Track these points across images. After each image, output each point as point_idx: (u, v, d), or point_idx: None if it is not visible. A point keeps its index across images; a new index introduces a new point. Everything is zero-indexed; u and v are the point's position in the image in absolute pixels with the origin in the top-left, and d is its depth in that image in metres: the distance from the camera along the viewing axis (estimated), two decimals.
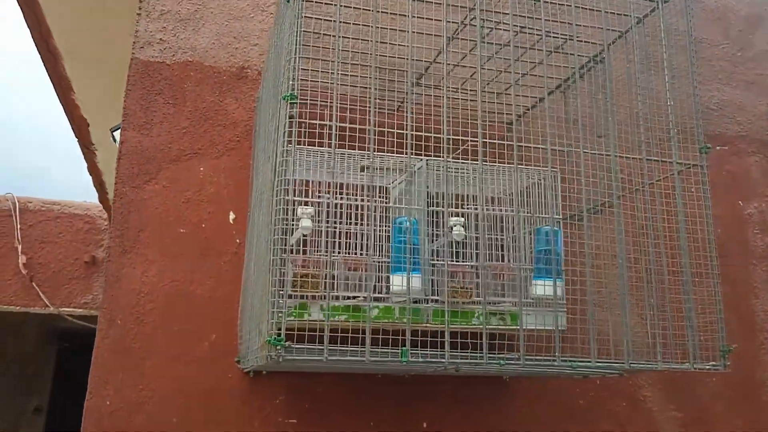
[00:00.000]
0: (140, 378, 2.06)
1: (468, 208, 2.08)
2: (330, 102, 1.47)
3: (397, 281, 1.84)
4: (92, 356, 2.05)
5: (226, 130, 2.37)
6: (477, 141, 1.70)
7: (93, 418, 2.00)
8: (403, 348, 1.34)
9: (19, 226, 4.69)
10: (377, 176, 2.18)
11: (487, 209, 2.14)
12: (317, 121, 1.41)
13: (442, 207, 2.05)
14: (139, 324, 2.11)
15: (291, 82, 1.35)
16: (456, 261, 2.01)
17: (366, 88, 2.16)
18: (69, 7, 3.19)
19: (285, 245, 1.35)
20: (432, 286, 1.94)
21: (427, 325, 1.88)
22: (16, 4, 2.88)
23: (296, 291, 1.76)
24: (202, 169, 2.32)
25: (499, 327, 1.95)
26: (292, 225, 1.82)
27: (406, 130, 1.52)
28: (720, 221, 2.87)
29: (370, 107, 1.53)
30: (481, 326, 1.89)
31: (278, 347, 1.23)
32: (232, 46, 2.47)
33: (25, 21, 3.02)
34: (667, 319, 1.67)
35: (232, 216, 2.28)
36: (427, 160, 1.99)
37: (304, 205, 1.86)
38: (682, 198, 1.64)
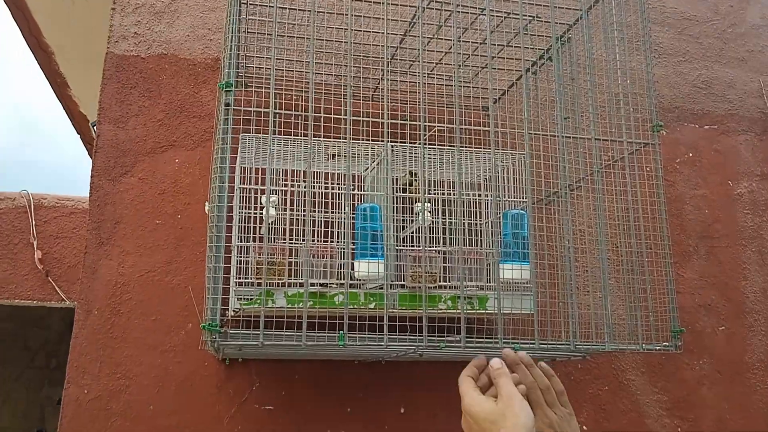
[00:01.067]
0: (117, 367, 2.11)
1: (436, 194, 2.08)
2: (302, 89, 1.48)
3: (361, 267, 1.84)
4: (70, 346, 2.09)
5: (201, 122, 2.39)
6: (450, 126, 1.70)
7: (71, 405, 2.05)
8: (340, 332, 1.35)
9: (34, 222, 4.78)
10: (349, 164, 2.18)
11: (459, 194, 2.13)
12: (260, 109, 1.42)
13: (409, 193, 2.06)
14: (115, 314, 2.14)
15: (227, 70, 1.36)
16: (423, 246, 2.01)
17: (339, 76, 2.17)
18: (55, 3, 3.24)
19: (221, 233, 1.37)
20: (398, 272, 1.94)
21: (394, 310, 1.88)
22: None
23: (259, 278, 1.78)
24: (177, 160, 2.34)
25: (467, 311, 1.94)
26: (253, 213, 1.84)
27: (382, 117, 1.52)
28: (709, 202, 2.83)
29: (346, 95, 1.54)
30: (448, 311, 1.90)
31: (213, 333, 1.24)
32: (206, 38, 2.49)
33: (14, 19, 3.07)
34: (626, 301, 1.66)
35: (207, 207, 2.30)
36: (392, 145, 1.99)
37: (267, 193, 1.87)
38: (637, 178, 1.61)
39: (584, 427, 2.43)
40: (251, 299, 1.76)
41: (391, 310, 1.85)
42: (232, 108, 1.35)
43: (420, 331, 1.66)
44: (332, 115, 1.48)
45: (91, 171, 2.27)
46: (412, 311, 1.73)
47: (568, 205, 1.55)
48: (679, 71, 2.95)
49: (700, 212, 2.80)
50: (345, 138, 1.63)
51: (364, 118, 1.53)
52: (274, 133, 1.50)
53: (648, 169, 1.66)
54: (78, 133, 4.79)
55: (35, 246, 4.64)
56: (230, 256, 1.77)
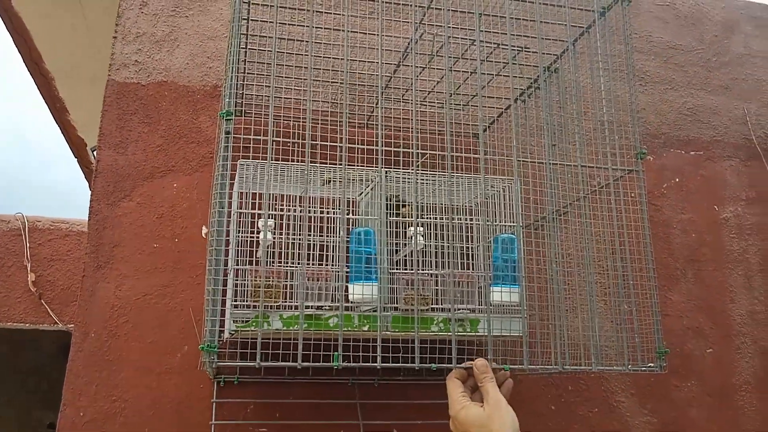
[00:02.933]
0: (114, 389, 2.13)
1: (429, 218, 2.13)
2: (299, 117, 1.53)
3: (356, 290, 1.89)
4: (66, 369, 2.12)
5: (199, 147, 2.45)
6: (442, 153, 1.77)
7: (67, 428, 2.07)
8: (335, 353, 1.39)
9: (28, 245, 4.81)
10: (343, 189, 2.24)
11: (450, 219, 2.18)
12: (259, 136, 1.47)
13: (403, 217, 2.11)
14: (112, 337, 2.17)
15: (227, 99, 1.42)
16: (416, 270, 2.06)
17: (335, 103, 2.23)
18: (55, 28, 3.31)
19: (219, 256, 1.41)
20: (391, 295, 1.99)
21: (388, 333, 1.92)
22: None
23: (255, 301, 1.81)
24: (175, 185, 2.39)
25: (459, 333, 1.98)
26: (249, 237, 1.89)
27: (377, 143, 1.58)
28: (695, 226, 2.89)
29: (341, 120, 1.59)
30: (441, 333, 1.94)
31: (211, 353, 1.28)
32: (205, 66, 2.55)
33: (15, 46, 3.13)
34: (614, 323, 1.71)
35: (204, 230, 2.35)
36: (386, 171, 2.05)
37: (263, 218, 1.92)
38: (623, 203, 1.67)
39: None
40: (247, 321, 1.79)
41: (383, 333, 1.90)
42: (232, 135, 1.40)
43: (413, 352, 1.70)
44: (328, 143, 1.53)
45: (91, 195, 2.32)
46: (404, 333, 1.76)
47: (555, 230, 1.61)
48: (665, 99, 3.04)
49: (687, 236, 2.86)
50: (340, 164, 1.69)
51: (359, 145, 1.59)
52: (273, 159, 1.56)
53: (633, 195, 1.72)
54: (76, 157, 4.84)
55: (29, 269, 4.66)
56: (227, 279, 1.81)
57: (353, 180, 2.19)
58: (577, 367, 1.60)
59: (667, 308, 2.76)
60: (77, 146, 4.66)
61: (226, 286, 1.83)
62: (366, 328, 1.93)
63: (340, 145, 1.47)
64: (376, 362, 1.45)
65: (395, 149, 1.57)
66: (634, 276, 1.68)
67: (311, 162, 1.48)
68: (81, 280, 2.23)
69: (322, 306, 1.92)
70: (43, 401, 6.48)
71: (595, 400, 2.54)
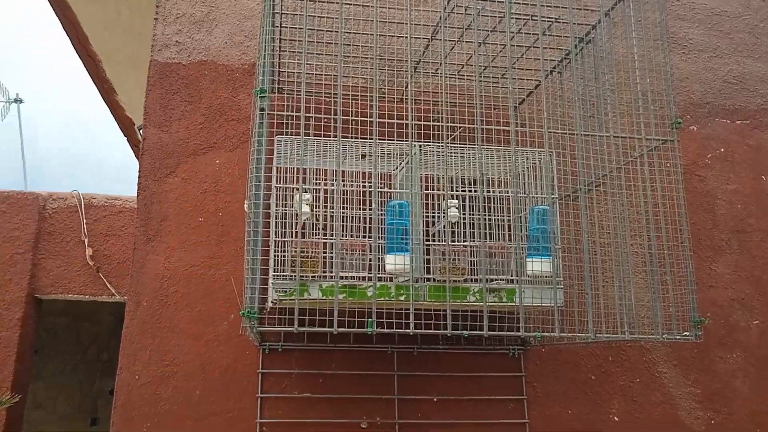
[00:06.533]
0: (165, 355, 2.25)
1: (465, 191, 2.16)
2: (330, 93, 1.57)
3: (391, 261, 1.93)
4: (122, 335, 2.24)
5: (239, 124, 2.52)
6: (472, 126, 1.78)
7: (124, 390, 2.20)
8: (369, 319, 1.44)
9: (85, 221, 5.02)
10: (375, 162, 2.28)
11: (483, 191, 2.20)
12: (293, 113, 1.52)
13: (438, 190, 2.14)
14: (163, 306, 2.29)
15: (261, 77, 1.47)
16: (452, 241, 2.09)
17: (365, 78, 2.26)
18: (100, 11, 3.41)
19: (257, 228, 1.47)
20: (426, 266, 2.03)
21: (425, 302, 1.97)
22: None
23: (295, 272, 1.88)
24: (218, 161, 2.47)
25: (495, 303, 2.01)
26: (288, 210, 1.95)
27: (409, 118, 1.61)
28: (741, 196, 2.83)
29: (371, 96, 1.63)
30: (473, 304, 1.97)
31: (251, 319, 1.35)
32: (243, 45, 2.61)
33: (63, 28, 3.25)
34: (650, 292, 1.71)
35: (246, 204, 2.43)
36: (421, 145, 2.08)
37: (303, 192, 1.98)
38: (657, 175, 1.66)
39: (615, 419, 2.47)
40: (288, 291, 1.87)
41: (418, 303, 1.94)
42: (267, 112, 1.46)
43: (452, 321, 1.75)
44: (359, 117, 1.57)
45: (138, 172, 2.42)
46: (438, 303, 1.80)
47: (588, 202, 1.61)
48: (710, 67, 2.95)
49: (733, 207, 2.80)
50: (372, 138, 1.73)
51: (388, 120, 1.62)
52: (313, 135, 1.60)
53: (669, 165, 1.71)
54: (125, 136, 5.02)
55: (86, 243, 4.88)
56: (268, 251, 1.88)
57: (389, 154, 2.23)
58: (610, 336, 1.61)
59: (711, 279, 2.72)
60: (126, 125, 4.83)
61: (267, 257, 1.91)
62: (402, 298, 1.98)
63: (371, 120, 1.50)
64: (409, 329, 1.49)
65: (425, 123, 1.59)
66: (670, 246, 1.67)
67: (344, 137, 1.52)
68: (132, 252, 2.35)
69: (358, 277, 1.98)
70: (104, 370, 6.81)
71: (637, 370, 2.54)
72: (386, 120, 1.60)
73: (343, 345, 2.29)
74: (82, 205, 5.02)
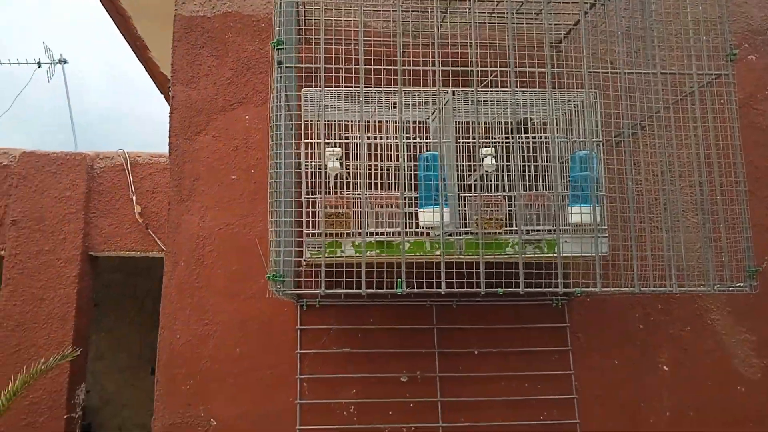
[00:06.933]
0: (204, 313, 2.27)
1: (498, 139, 2.05)
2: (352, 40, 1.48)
3: (424, 216, 1.87)
4: (161, 295, 2.27)
5: (267, 77, 2.44)
6: (504, 70, 1.67)
7: (166, 349, 2.24)
8: (399, 279, 1.39)
9: (132, 179, 5.11)
10: (411, 111, 2.18)
11: (521, 138, 2.09)
12: (309, 65, 1.44)
13: (471, 139, 2.04)
14: (200, 265, 2.29)
15: (278, 28, 1.38)
16: (489, 192, 2.00)
17: (389, 21, 2.14)
18: None
19: (281, 188, 1.42)
20: (463, 219, 1.95)
21: (460, 256, 1.90)
22: None
23: (328, 230, 1.84)
24: (247, 117, 2.42)
25: (533, 256, 1.93)
26: (313, 167, 1.89)
27: (436, 64, 1.51)
28: None
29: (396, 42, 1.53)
30: (509, 256, 1.90)
31: (278, 282, 1.32)
32: None
33: None
34: (701, 241, 1.59)
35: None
36: (453, 91, 1.97)
37: (332, 146, 1.91)
38: (709, 113, 1.51)
39: (665, 368, 2.39)
40: (320, 249, 1.83)
41: (449, 257, 1.88)
42: (285, 65, 1.38)
43: (489, 276, 1.68)
44: (382, 66, 1.48)
45: (169, 131, 2.39)
46: (475, 257, 1.74)
47: (631, 145, 1.49)
48: None
49: None
50: (398, 87, 1.63)
51: (413, 67, 1.52)
52: (328, 86, 1.52)
53: (722, 102, 1.56)
54: (161, 93, 5.01)
55: (134, 201, 4.97)
56: (300, 210, 1.83)
57: (422, 102, 2.13)
58: (655, 289, 1.52)
59: None
60: (161, 82, 4.81)
61: (301, 216, 1.87)
62: (438, 253, 1.92)
63: (395, 67, 1.41)
64: (440, 287, 1.43)
65: (453, 68, 1.48)
66: (723, 190, 1.54)
67: (373, 85, 1.43)
68: (167, 212, 2.35)
69: (391, 232, 1.92)
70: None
71: (687, 319, 2.43)
72: (410, 67, 1.50)
73: (381, 300, 2.26)
74: (129, 164, 5.09)
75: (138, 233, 4.99)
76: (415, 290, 1.44)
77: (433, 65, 1.70)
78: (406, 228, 1.58)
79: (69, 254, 4.05)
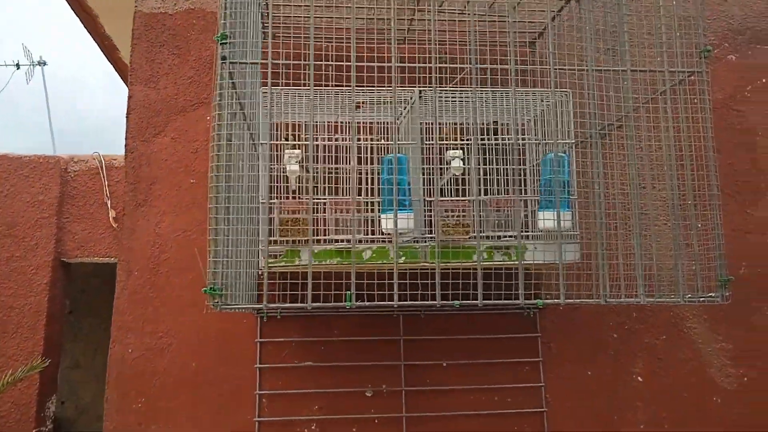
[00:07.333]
0: (159, 325, 2.16)
1: (469, 140, 1.96)
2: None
3: (386, 222, 1.77)
4: (113, 307, 2.15)
5: None
6: (462, 67, 1.58)
7: (117, 364, 2.12)
8: (348, 292, 1.29)
9: (107, 183, 4.97)
10: (380, 112, 2.09)
11: (482, 139, 2.01)
12: (246, 61, 1.34)
13: (435, 141, 1.95)
14: (154, 274, 2.18)
15: (222, 21, 1.29)
16: (456, 197, 1.91)
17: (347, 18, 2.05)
18: None
19: (220, 193, 1.32)
20: (429, 225, 1.86)
21: (425, 263, 1.81)
22: None
23: (283, 236, 1.74)
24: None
25: (503, 263, 1.84)
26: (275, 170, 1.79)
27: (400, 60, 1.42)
28: None
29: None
30: (490, 263, 1.81)
31: (215, 296, 1.22)
32: None
33: None
34: (673, 248, 1.51)
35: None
36: (420, 90, 1.88)
37: (291, 148, 1.82)
38: (683, 111, 1.43)
39: (639, 378, 2.31)
40: (278, 257, 1.73)
41: (415, 266, 1.79)
42: (229, 61, 1.28)
43: (456, 286, 1.60)
44: (333, 63, 1.38)
45: (126, 132, 2.28)
46: (441, 264, 1.64)
47: (599, 147, 1.41)
48: None
49: None
50: (375, 85, 1.55)
51: (367, 63, 1.43)
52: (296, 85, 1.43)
53: (695, 102, 1.48)
54: None
55: (109, 206, 4.84)
56: (253, 217, 1.73)
57: (387, 103, 2.04)
58: (621, 300, 1.43)
59: (749, 225, 2.48)
60: None
61: (255, 223, 1.77)
62: (402, 261, 1.83)
63: (348, 63, 1.31)
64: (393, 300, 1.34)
65: (410, 65, 1.39)
66: (696, 194, 1.46)
67: (336, 85, 1.34)
68: (121, 218, 2.24)
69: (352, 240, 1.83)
70: None
71: (662, 327, 2.36)
72: (365, 63, 1.41)
73: (345, 311, 2.16)
74: (104, 167, 4.95)
75: (112, 239, 4.86)
76: (366, 303, 1.34)
77: (401, 63, 1.61)
78: (363, 235, 1.48)
79: (40, 261, 3.92)
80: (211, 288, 1.24)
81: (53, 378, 3.93)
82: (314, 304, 1.29)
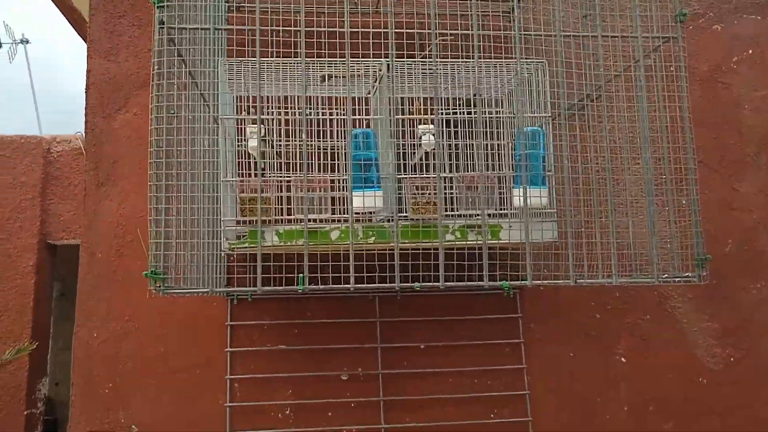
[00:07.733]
0: (125, 308, 2.08)
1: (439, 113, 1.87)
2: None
3: (357, 200, 1.69)
4: (77, 290, 2.07)
5: None
6: (421, 32, 1.49)
7: (82, 349, 2.05)
8: (300, 275, 1.21)
9: None
10: (350, 85, 1.99)
11: (436, 112, 1.92)
12: (189, 26, 1.24)
13: (404, 114, 1.86)
14: (119, 256, 2.10)
15: None
16: (426, 173, 1.83)
17: None
18: None
19: (161, 169, 1.23)
20: (400, 203, 1.78)
21: (391, 243, 1.73)
22: None
23: (244, 216, 1.66)
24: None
25: (477, 242, 1.76)
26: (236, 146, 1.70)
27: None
28: None
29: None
30: (453, 243, 1.73)
31: (157, 281, 1.14)
32: None
33: None
34: (648, 226, 1.43)
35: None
36: (387, 62, 1.78)
37: (251, 123, 1.72)
38: (658, 80, 1.34)
39: (622, 359, 2.25)
40: (239, 239, 1.65)
41: (421, 244, 1.71)
42: (167, 27, 1.18)
43: (426, 267, 1.52)
44: (280, 28, 1.29)
45: (85, 108, 2.18)
46: (411, 243, 1.56)
47: (566, 120, 1.32)
48: None
49: (762, 116, 2.45)
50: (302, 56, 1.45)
51: (318, 29, 1.33)
52: (240, 56, 1.33)
53: (670, 69, 1.39)
54: None
55: None
56: (209, 195, 1.65)
57: (357, 75, 1.94)
58: (593, 281, 1.36)
59: (735, 200, 2.41)
60: None
61: (212, 202, 1.69)
62: (372, 241, 1.75)
63: (297, 29, 1.21)
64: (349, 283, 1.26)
65: (363, 30, 1.30)
66: (674, 169, 1.38)
67: (306, 56, 1.24)
68: (83, 199, 2.14)
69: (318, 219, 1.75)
70: None
71: (646, 307, 2.29)
72: (315, 28, 1.31)
73: (319, 293, 2.08)
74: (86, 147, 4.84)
75: None
76: (320, 286, 1.26)
77: (370, 36, 1.51)
78: (304, 215, 1.39)
79: (25, 243, 3.82)
80: (152, 271, 1.16)
81: (43, 360, 3.88)
82: (264, 288, 1.21)
